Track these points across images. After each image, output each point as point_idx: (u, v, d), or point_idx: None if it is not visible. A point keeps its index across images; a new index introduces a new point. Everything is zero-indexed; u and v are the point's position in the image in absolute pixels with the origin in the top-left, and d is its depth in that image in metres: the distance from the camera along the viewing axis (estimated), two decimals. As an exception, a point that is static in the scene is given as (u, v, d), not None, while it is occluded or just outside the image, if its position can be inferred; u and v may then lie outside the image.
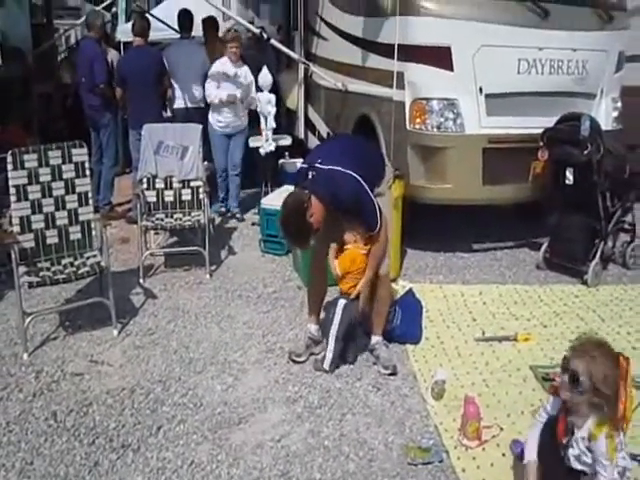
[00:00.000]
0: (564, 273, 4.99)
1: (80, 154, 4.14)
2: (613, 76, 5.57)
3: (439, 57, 4.85)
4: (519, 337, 3.91)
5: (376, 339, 3.70)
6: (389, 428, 3.05)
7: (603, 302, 4.52)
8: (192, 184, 5.22)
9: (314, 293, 3.83)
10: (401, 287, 4.62)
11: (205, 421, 3.10)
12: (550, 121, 4.98)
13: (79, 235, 4.14)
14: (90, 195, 4.19)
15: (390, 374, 3.50)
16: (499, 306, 4.43)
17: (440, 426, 3.05)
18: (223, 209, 6.39)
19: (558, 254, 5.03)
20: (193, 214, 5.12)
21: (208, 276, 4.89)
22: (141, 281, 4.79)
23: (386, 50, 5.14)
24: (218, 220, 6.24)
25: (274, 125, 6.28)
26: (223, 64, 5.92)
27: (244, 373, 3.54)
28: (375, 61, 5.33)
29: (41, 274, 3.81)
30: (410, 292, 4.34)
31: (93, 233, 4.18)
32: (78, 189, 4.12)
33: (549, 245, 5.11)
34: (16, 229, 3.93)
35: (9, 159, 3.90)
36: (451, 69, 4.86)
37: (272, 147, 6.28)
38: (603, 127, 5.01)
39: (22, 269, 3.80)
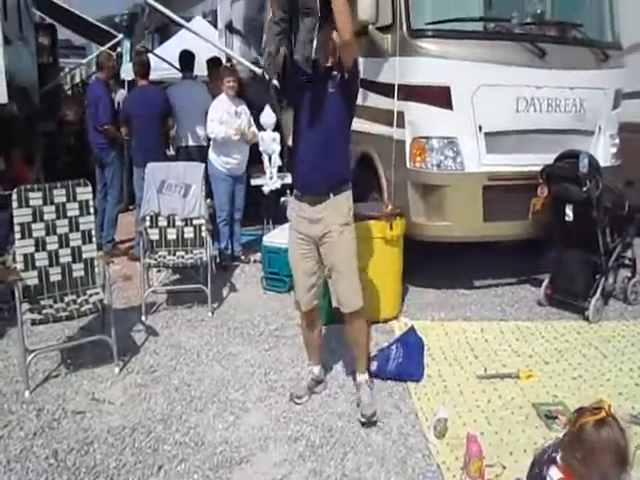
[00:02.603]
0: (565, 309, 4.99)
1: (84, 192, 4.20)
2: (610, 113, 5.65)
3: (439, 97, 4.93)
4: (521, 374, 3.89)
5: (359, 378, 3.60)
6: (391, 467, 3.02)
7: (605, 338, 4.51)
8: (194, 222, 5.28)
9: (309, 336, 3.74)
10: (403, 324, 4.63)
11: (206, 460, 3.08)
12: (549, 158, 5.05)
13: (82, 272, 4.18)
14: (94, 233, 4.25)
15: (365, 423, 3.34)
16: (501, 343, 4.42)
17: (442, 465, 3.02)
18: (216, 252, 6.06)
19: (559, 290, 5.04)
20: (195, 252, 5.15)
21: (210, 313, 4.90)
22: (143, 318, 4.80)
23: (386, 90, 5.23)
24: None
25: (280, 163, 6.33)
26: (222, 101, 5.92)
27: (245, 412, 3.52)
28: (376, 100, 5.41)
29: (44, 311, 3.83)
30: (411, 329, 4.34)
31: (96, 270, 4.21)
32: (82, 227, 4.17)
33: (550, 281, 5.12)
34: (20, 266, 3.96)
35: (14, 197, 3.97)
36: (450, 108, 4.94)
37: (277, 185, 6.30)
38: (601, 163, 5.07)
39: (25, 306, 3.82)
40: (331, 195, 3.34)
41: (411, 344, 4.10)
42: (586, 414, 2.04)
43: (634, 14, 6.00)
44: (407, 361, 3.93)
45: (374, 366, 3.93)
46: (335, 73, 3.25)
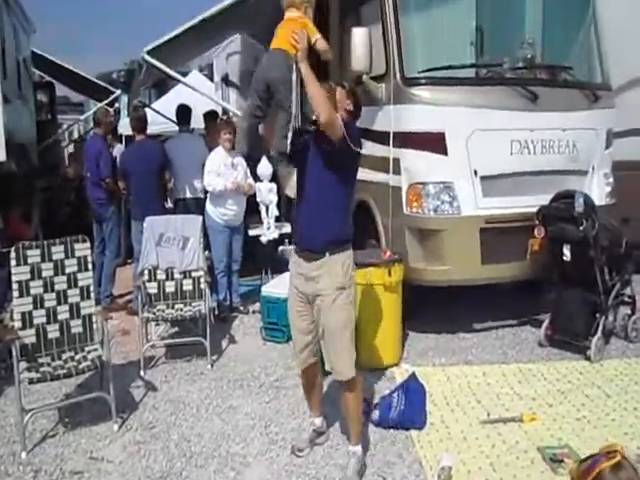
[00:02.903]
0: (567, 349, 4.96)
1: (83, 248, 4.22)
2: (603, 153, 5.73)
3: (434, 143, 4.99)
4: (525, 418, 3.86)
5: (350, 449, 3.41)
6: (396, 520, 2.97)
7: (608, 378, 4.48)
8: (193, 274, 5.30)
9: (309, 390, 3.65)
10: (404, 371, 4.60)
11: (207, 518, 3.02)
12: (545, 199, 5.10)
13: (80, 329, 4.16)
14: (92, 289, 4.25)
15: None
16: (503, 386, 4.39)
17: (448, 515, 2.96)
18: (215, 304, 6.03)
19: (560, 330, 5.03)
20: (194, 304, 5.15)
21: (209, 366, 4.87)
22: (142, 373, 4.76)
23: (382, 137, 5.31)
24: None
25: (277, 213, 6.38)
26: (219, 154, 5.98)
27: (247, 466, 3.46)
28: (371, 148, 5.45)
29: (42, 369, 3.81)
30: (413, 376, 4.31)
31: (94, 326, 4.20)
32: (80, 283, 4.18)
33: (550, 322, 5.11)
34: (17, 324, 3.95)
35: (12, 254, 3.98)
36: (446, 154, 5.00)
37: (275, 235, 6.33)
38: (597, 202, 5.13)
39: (22, 365, 3.80)
40: (327, 254, 3.24)
41: (413, 391, 4.06)
42: (601, 460, 2.01)
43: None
44: (409, 409, 3.89)
45: (376, 415, 3.89)
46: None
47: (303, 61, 3.13)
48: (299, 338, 3.46)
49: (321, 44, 3.07)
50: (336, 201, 3.30)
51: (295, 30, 3.20)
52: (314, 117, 3.10)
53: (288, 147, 3.13)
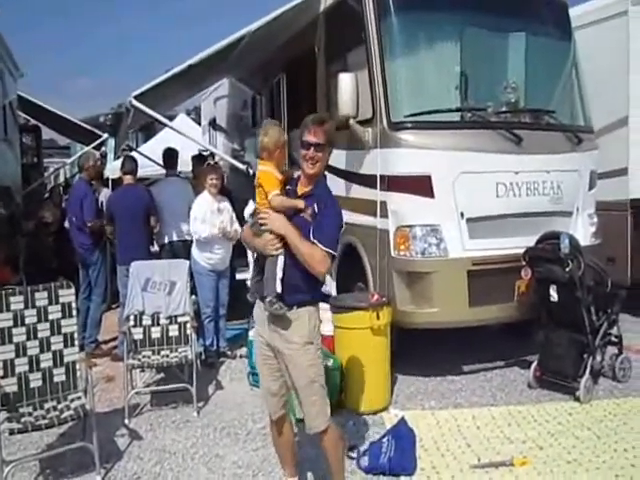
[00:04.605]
0: (556, 390, 4.95)
1: (67, 294, 4.16)
2: (587, 193, 5.82)
3: (420, 186, 5.03)
4: (515, 461, 3.81)
5: None
6: None
7: (597, 418, 4.46)
8: (179, 319, 5.25)
9: (279, 445, 3.47)
10: (393, 416, 4.55)
11: None
12: (531, 240, 5.15)
13: (63, 377, 4.08)
14: (76, 335, 4.18)
15: None
16: (493, 429, 4.35)
17: None
18: (202, 349, 5.93)
19: (548, 372, 5.02)
20: (180, 350, 5.09)
21: (196, 413, 4.78)
22: (126, 421, 4.66)
23: (369, 181, 5.36)
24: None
25: None
26: (205, 199, 5.96)
27: (234, 517, 3.38)
28: (358, 191, 5.52)
29: (23, 420, 3.71)
30: (402, 421, 4.26)
31: (78, 374, 4.12)
32: (64, 330, 4.11)
33: (539, 363, 5.10)
34: (-1, 373, 3.87)
35: (-6, 302, 3.91)
36: (432, 196, 5.04)
37: None
38: (582, 243, 5.17)
39: (3, 415, 3.71)
40: (294, 307, 3.10)
41: (402, 437, 4.01)
42: None
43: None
44: (399, 455, 3.84)
45: (365, 461, 3.84)
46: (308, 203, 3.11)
47: (282, 231, 3.04)
48: (267, 385, 3.30)
49: (275, 200, 3.07)
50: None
51: (261, 214, 3.13)
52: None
53: (277, 287, 3.05)
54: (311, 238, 3.03)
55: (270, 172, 3.16)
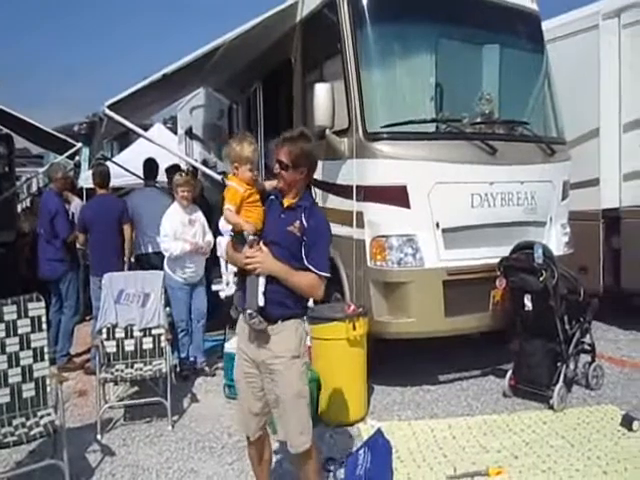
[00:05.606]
0: (530, 399, 4.98)
1: (37, 308, 4.06)
2: (560, 204, 5.90)
3: (396, 196, 5.05)
4: (491, 471, 3.82)
5: None
6: None
7: (571, 426, 4.50)
8: (153, 332, 5.18)
9: (257, 469, 3.38)
10: (369, 427, 4.52)
11: None
12: (505, 250, 5.19)
13: (33, 393, 3.99)
14: (46, 350, 4.08)
15: None
16: (469, 439, 4.35)
17: None
18: (176, 361, 5.84)
19: (523, 380, 5.05)
20: (154, 363, 5.02)
21: (170, 427, 4.71)
22: (99, 437, 4.58)
23: (345, 191, 5.35)
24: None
25: (236, 269, 6.24)
26: (175, 212, 5.80)
27: (208, 534, 3.32)
28: (335, 202, 5.50)
29: (-11, 438, 3.62)
30: (379, 432, 4.21)
31: (48, 390, 4.03)
32: (33, 344, 4.01)
33: (513, 372, 5.13)
34: (-35, 390, 3.78)
35: (-39, 317, 3.83)
36: (408, 207, 5.05)
37: (232, 291, 6.21)
38: (555, 252, 5.24)
39: (-30, 432, 3.62)
40: (279, 321, 3.04)
41: (378, 448, 3.96)
42: None
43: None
44: (375, 467, 3.80)
45: (342, 474, 3.80)
46: (294, 216, 3.07)
47: (273, 271, 2.98)
48: (247, 404, 3.18)
49: (225, 213, 3.04)
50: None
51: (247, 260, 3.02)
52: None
53: (258, 303, 3.00)
54: (306, 263, 3.00)
55: (233, 188, 3.12)
